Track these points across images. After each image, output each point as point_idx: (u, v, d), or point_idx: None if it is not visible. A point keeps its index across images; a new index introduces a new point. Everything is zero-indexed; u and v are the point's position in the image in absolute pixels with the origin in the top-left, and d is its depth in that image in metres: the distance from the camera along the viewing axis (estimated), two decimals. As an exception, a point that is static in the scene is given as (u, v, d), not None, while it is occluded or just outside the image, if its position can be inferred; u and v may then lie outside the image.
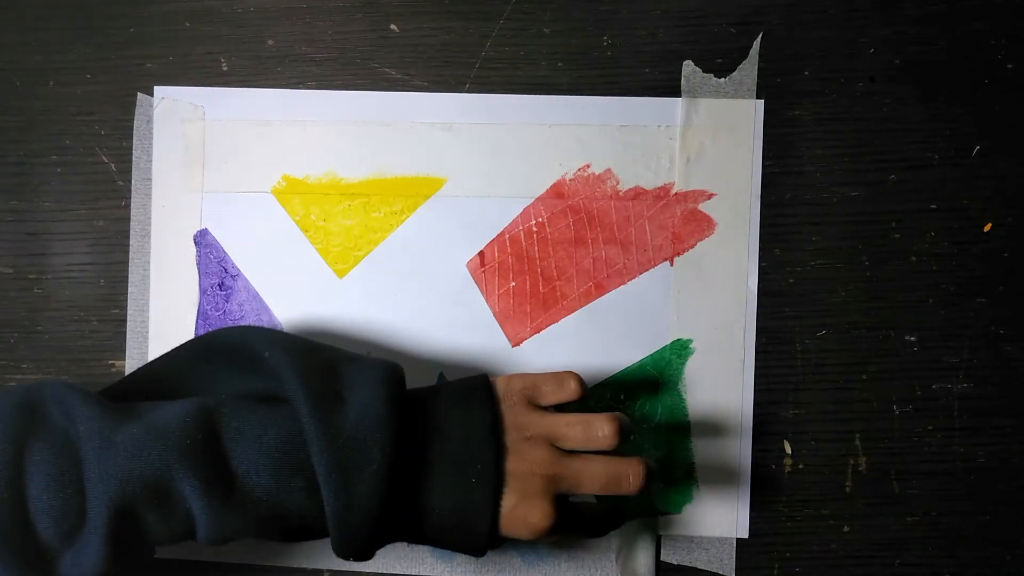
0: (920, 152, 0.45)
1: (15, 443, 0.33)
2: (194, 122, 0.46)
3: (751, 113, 0.45)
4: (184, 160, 0.46)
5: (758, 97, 0.45)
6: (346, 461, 0.34)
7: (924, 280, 0.45)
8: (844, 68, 0.45)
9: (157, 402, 0.37)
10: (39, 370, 0.46)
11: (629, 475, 0.36)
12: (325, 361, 0.37)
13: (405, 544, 0.45)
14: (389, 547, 0.45)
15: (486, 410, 0.37)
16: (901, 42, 0.45)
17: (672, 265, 0.45)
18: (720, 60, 0.45)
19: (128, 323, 0.46)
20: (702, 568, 0.45)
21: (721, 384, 0.45)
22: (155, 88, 0.46)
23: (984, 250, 0.45)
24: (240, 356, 0.39)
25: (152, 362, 0.40)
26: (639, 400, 0.45)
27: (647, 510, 0.45)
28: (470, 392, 0.38)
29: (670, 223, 0.45)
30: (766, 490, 0.45)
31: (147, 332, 0.46)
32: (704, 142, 0.45)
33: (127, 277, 0.46)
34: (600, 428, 0.37)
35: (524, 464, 0.36)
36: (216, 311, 0.46)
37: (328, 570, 0.46)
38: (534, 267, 0.45)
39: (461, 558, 0.45)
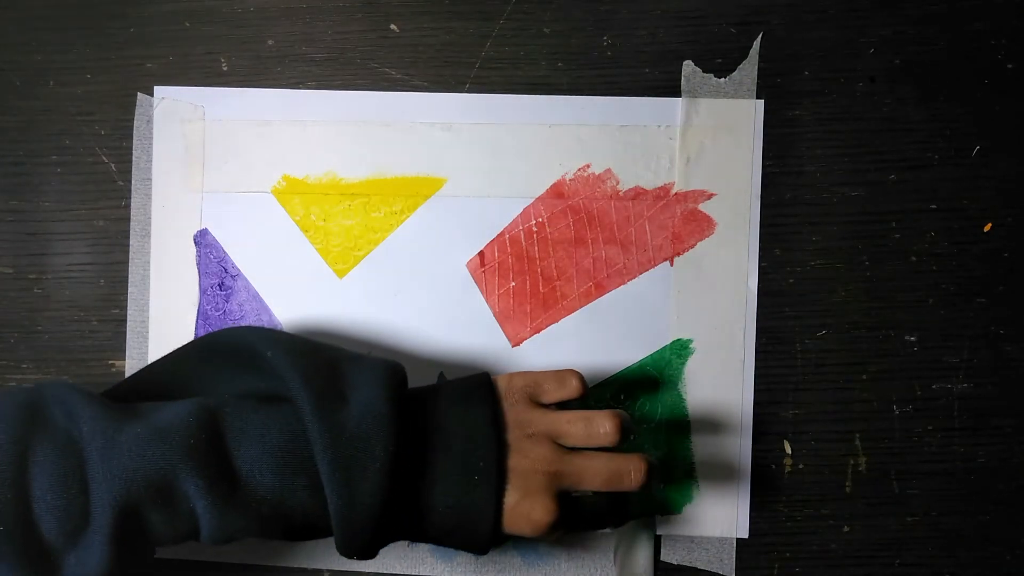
0: (920, 152, 0.45)
1: (18, 444, 0.33)
2: (194, 122, 0.46)
3: (751, 113, 0.45)
4: (184, 160, 0.46)
5: (758, 97, 0.45)
6: (349, 459, 0.34)
7: (924, 280, 0.45)
8: (844, 68, 0.45)
9: (159, 402, 0.37)
10: (39, 370, 0.46)
11: (631, 471, 0.37)
12: (327, 360, 0.37)
13: (406, 544, 0.45)
14: (389, 547, 0.45)
15: (487, 408, 0.37)
16: (901, 42, 0.45)
17: (672, 265, 0.45)
18: (720, 60, 0.45)
19: (128, 323, 0.46)
20: (702, 568, 0.45)
21: (721, 384, 0.45)
22: (155, 88, 0.46)
23: (984, 250, 0.45)
24: (242, 356, 0.39)
25: (154, 363, 0.40)
26: (639, 400, 0.45)
27: (648, 506, 0.45)
28: (471, 390, 0.38)
29: (670, 223, 0.45)
30: (766, 490, 0.45)
31: (147, 332, 0.46)
32: (704, 142, 0.45)
33: (127, 277, 0.46)
34: (601, 425, 0.37)
35: (526, 461, 0.36)
36: (216, 311, 0.46)
37: (328, 570, 0.46)
38: (534, 267, 0.45)
39: (461, 558, 0.45)
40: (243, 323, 0.46)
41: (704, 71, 0.45)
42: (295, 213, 0.46)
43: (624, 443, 0.38)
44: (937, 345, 0.45)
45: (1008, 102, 0.45)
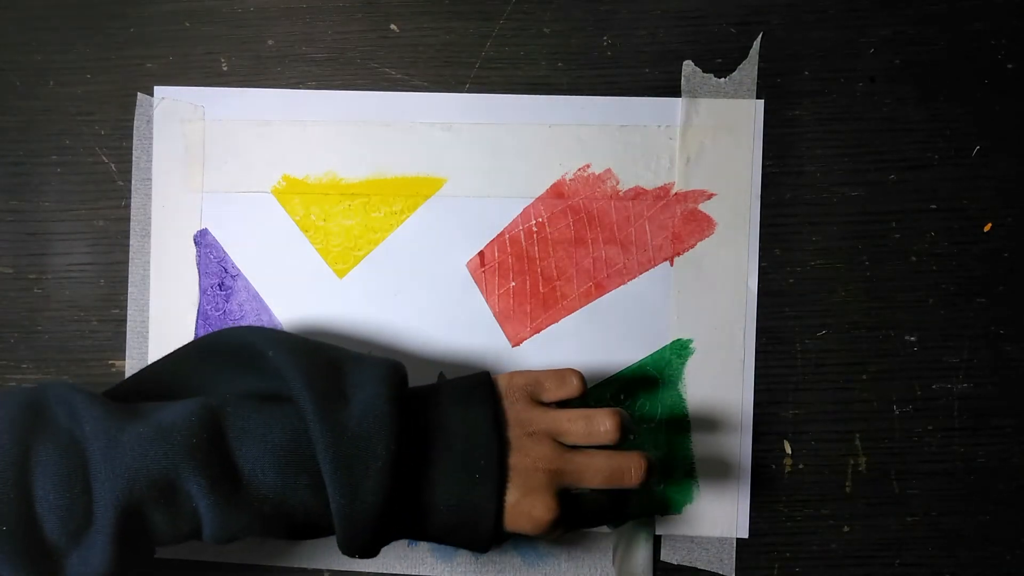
0: (920, 152, 0.45)
1: (20, 444, 0.33)
2: (194, 122, 0.46)
3: (751, 113, 0.45)
4: (184, 160, 0.46)
5: (758, 97, 0.45)
6: (351, 458, 0.34)
7: (924, 280, 0.45)
8: (844, 68, 0.45)
9: (161, 402, 0.37)
10: (39, 370, 0.46)
11: (631, 468, 0.37)
12: (328, 360, 0.37)
13: (406, 543, 0.45)
14: (390, 546, 0.45)
15: (488, 407, 0.37)
16: (901, 42, 0.45)
17: (672, 265, 0.45)
18: (720, 60, 0.45)
19: (128, 323, 0.46)
20: (702, 568, 0.45)
21: (721, 384, 0.45)
22: (155, 88, 0.46)
23: (984, 250, 0.45)
24: (243, 356, 0.39)
25: (154, 363, 0.40)
26: (639, 400, 0.45)
27: (648, 506, 0.45)
28: (472, 389, 0.38)
29: (670, 223, 0.45)
30: (766, 490, 0.45)
31: (147, 332, 0.46)
32: (704, 142, 0.45)
33: (127, 277, 0.46)
34: (602, 423, 0.37)
35: (527, 459, 0.36)
36: (216, 311, 0.46)
37: (328, 570, 0.46)
38: (534, 267, 0.45)
39: (461, 557, 0.45)
40: (243, 323, 0.46)
41: (704, 71, 0.45)
42: (295, 213, 0.46)
43: (624, 442, 0.38)
44: (937, 345, 0.45)
45: (1008, 102, 0.45)
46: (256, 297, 0.46)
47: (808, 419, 0.45)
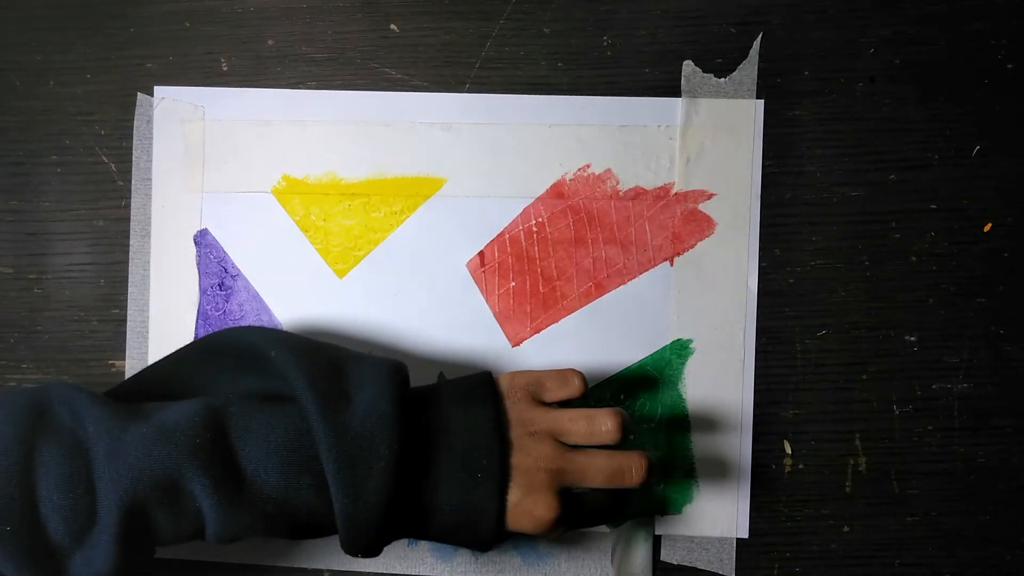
0: (920, 152, 0.45)
1: (24, 444, 0.33)
2: (194, 122, 0.46)
3: (751, 113, 0.45)
4: (184, 160, 0.46)
5: (758, 97, 0.45)
6: (354, 458, 0.34)
7: (924, 280, 0.45)
8: (844, 68, 0.45)
9: (164, 402, 0.37)
10: (39, 370, 0.46)
11: (632, 468, 0.37)
12: (330, 360, 0.37)
13: (405, 543, 0.45)
14: (390, 546, 0.44)
15: (490, 407, 0.37)
16: (901, 42, 0.45)
17: (672, 265, 0.45)
18: (720, 60, 0.45)
19: (128, 323, 0.46)
20: (702, 568, 0.45)
21: (721, 384, 0.45)
22: (155, 88, 0.46)
23: (984, 250, 0.45)
24: (245, 356, 0.39)
25: (156, 363, 0.40)
26: (639, 400, 0.45)
27: (648, 506, 0.45)
28: (474, 389, 0.38)
29: (670, 223, 0.45)
30: (766, 490, 0.45)
31: (147, 332, 0.46)
32: (704, 142, 0.45)
33: (127, 277, 0.46)
34: (603, 423, 0.37)
35: (529, 459, 0.36)
36: (216, 311, 0.46)
37: (328, 570, 0.46)
38: (534, 267, 0.45)
39: (461, 557, 0.45)
40: (243, 323, 0.46)
41: (704, 71, 0.45)
42: (295, 213, 0.46)
43: (624, 442, 0.38)
44: (937, 345, 0.45)
45: (1008, 102, 0.45)
46: (256, 297, 0.46)
47: (808, 419, 0.45)
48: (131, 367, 0.46)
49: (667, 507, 0.45)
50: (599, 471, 0.37)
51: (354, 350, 0.39)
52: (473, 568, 0.45)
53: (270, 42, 0.46)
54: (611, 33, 0.45)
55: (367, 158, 0.45)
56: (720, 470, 0.45)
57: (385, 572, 0.45)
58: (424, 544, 0.45)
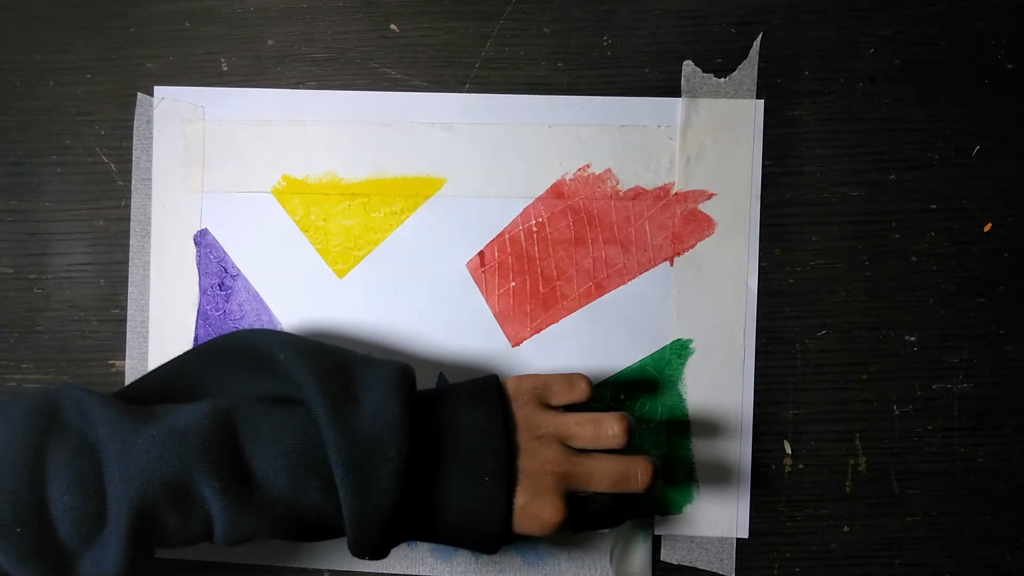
0: (920, 152, 0.45)
1: (34, 446, 0.33)
2: (194, 122, 0.46)
3: (751, 113, 0.45)
4: (184, 160, 0.46)
5: (758, 97, 0.45)
6: (363, 460, 0.34)
7: (924, 280, 0.45)
8: (844, 68, 0.45)
9: (174, 405, 0.37)
10: (39, 370, 0.46)
11: (637, 473, 0.37)
12: (337, 363, 0.38)
13: (405, 544, 0.45)
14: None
15: (497, 410, 0.37)
16: (901, 42, 0.45)
17: (672, 265, 0.45)
18: (720, 60, 0.45)
19: (128, 323, 0.46)
20: (702, 568, 0.45)
21: (721, 384, 0.45)
22: (155, 88, 0.46)
23: (984, 250, 0.45)
24: (254, 358, 0.39)
25: (164, 365, 0.40)
26: (639, 400, 0.45)
27: (649, 506, 0.45)
28: (481, 392, 0.38)
29: (670, 223, 0.45)
30: (766, 490, 0.45)
31: (147, 332, 0.46)
32: (704, 142, 0.45)
33: (127, 277, 0.46)
34: (610, 427, 0.37)
35: (536, 462, 0.37)
36: (216, 311, 0.46)
37: (328, 570, 0.46)
38: (534, 267, 0.45)
39: (461, 557, 0.45)
40: (243, 323, 0.46)
41: (704, 71, 0.45)
42: (295, 213, 0.46)
43: (629, 445, 0.38)
44: (937, 345, 0.45)
45: (1008, 102, 0.45)
46: (256, 297, 0.46)
47: (808, 419, 0.45)
48: (131, 367, 0.46)
49: (667, 507, 0.45)
50: (605, 475, 0.37)
51: (360, 352, 0.40)
52: (473, 568, 0.45)
53: (270, 42, 0.46)
54: (611, 33, 0.45)
55: (367, 158, 0.45)
56: (720, 470, 0.45)
57: (385, 572, 0.45)
58: (424, 544, 0.45)
